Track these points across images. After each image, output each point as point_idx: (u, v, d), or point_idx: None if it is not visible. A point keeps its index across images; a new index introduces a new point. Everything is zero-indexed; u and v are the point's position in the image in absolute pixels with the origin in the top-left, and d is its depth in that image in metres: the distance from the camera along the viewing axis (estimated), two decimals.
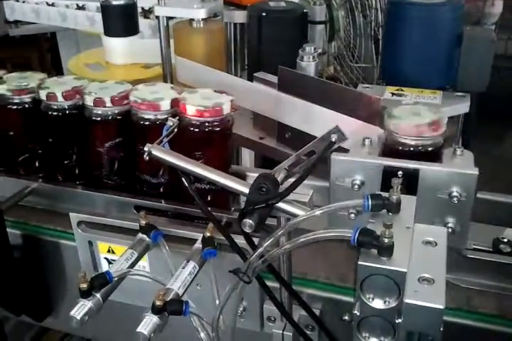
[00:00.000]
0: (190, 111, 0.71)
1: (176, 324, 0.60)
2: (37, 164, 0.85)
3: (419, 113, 0.67)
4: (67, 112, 0.78)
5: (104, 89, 0.78)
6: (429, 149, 0.64)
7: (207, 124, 0.72)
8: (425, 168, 0.61)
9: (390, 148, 0.66)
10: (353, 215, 0.63)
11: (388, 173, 0.61)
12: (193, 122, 0.72)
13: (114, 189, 0.80)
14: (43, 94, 0.78)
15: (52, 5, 1.33)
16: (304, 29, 1.02)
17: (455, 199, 0.60)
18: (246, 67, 1.15)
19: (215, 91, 0.76)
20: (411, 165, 0.61)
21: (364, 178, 0.63)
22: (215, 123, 0.72)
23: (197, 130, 0.72)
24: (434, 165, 0.62)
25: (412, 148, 0.65)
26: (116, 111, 0.76)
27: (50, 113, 0.79)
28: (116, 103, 0.76)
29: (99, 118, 0.77)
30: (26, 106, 0.81)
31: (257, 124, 0.94)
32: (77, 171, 0.83)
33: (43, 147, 0.84)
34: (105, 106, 0.76)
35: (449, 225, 0.62)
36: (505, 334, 0.66)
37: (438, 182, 0.61)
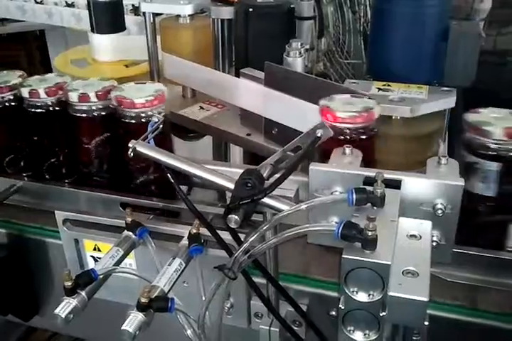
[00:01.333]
0: None
1: (164, 321, 0.60)
2: (22, 163, 0.85)
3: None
4: (51, 109, 0.78)
5: (88, 85, 0.77)
6: None
7: None
8: (408, 179, 0.58)
9: None
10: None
11: (370, 185, 0.56)
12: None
13: (102, 186, 0.80)
14: (25, 92, 0.77)
15: (41, 3, 1.32)
16: (291, 25, 1.02)
17: (439, 211, 0.58)
18: (234, 63, 1.15)
19: None
20: (393, 175, 0.59)
21: (344, 190, 0.60)
22: None
23: None
24: (417, 175, 0.59)
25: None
26: (101, 107, 0.76)
27: (33, 110, 0.78)
28: (101, 98, 0.75)
29: (84, 115, 0.76)
30: (7, 104, 0.80)
31: (244, 120, 0.94)
32: (64, 169, 0.82)
33: (28, 146, 0.83)
34: (90, 102, 0.75)
35: (434, 239, 0.60)
36: (491, 328, 0.66)
37: (421, 193, 0.58)
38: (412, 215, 0.55)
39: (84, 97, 0.75)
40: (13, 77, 0.81)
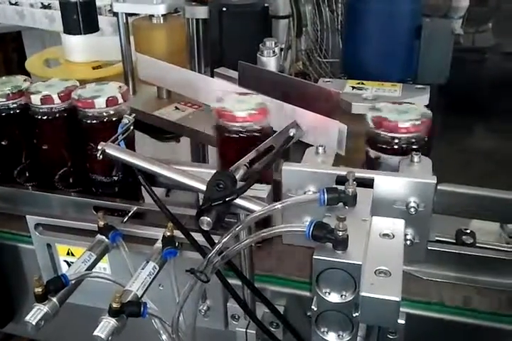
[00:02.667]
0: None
1: (139, 326, 0.59)
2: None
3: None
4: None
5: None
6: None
7: None
8: (380, 177, 0.58)
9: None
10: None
11: (342, 184, 0.55)
12: None
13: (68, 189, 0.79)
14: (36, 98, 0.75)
15: (16, 4, 1.29)
16: (266, 24, 1.01)
17: (412, 209, 0.58)
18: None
19: None
20: (365, 174, 0.58)
21: (317, 189, 0.60)
22: None
23: None
24: (389, 174, 0.59)
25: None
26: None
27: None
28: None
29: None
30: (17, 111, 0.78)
31: None
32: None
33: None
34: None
35: (407, 237, 0.60)
36: (469, 325, 0.66)
37: (394, 192, 0.58)
38: (385, 214, 0.55)
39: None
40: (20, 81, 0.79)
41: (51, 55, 1.20)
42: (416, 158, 0.62)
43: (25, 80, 0.80)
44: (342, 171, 0.58)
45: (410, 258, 0.56)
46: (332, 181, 0.59)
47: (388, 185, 0.58)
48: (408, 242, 0.60)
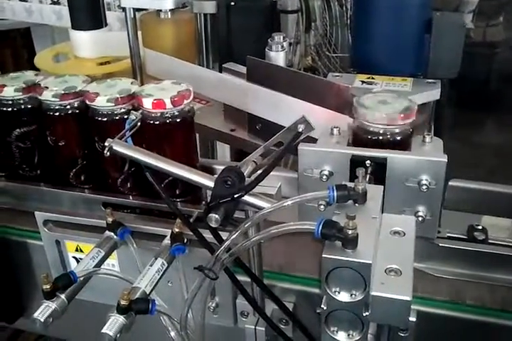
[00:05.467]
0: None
1: (148, 322, 0.59)
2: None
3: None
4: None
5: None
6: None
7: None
8: (393, 156, 0.59)
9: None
10: (322, 207, 0.61)
11: (356, 163, 0.59)
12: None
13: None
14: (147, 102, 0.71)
15: (25, 0, 1.29)
16: (274, 18, 1.00)
17: (424, 187, 0.59)
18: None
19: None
20: (378, 153, 0.60)
21: (332, 169, 0.62)
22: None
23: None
24: (401, 153, 0.60)
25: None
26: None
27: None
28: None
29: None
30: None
31: (228, 116, 0.93)
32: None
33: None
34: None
35: (419, 214, 0.61)
36: (480, 323, 0.65)
37: (406, 170, 0.60)
38: (398, 192, 0.58)
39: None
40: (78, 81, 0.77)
41: (60, 50, 1.19)
42: (427, 138, 0.64)
43: (36, 75, 0.80)
44: (357, 151, 0.60)
45: (422, 235, 0.56)
46: (347, 161, 0.60)
47: (401, 163, 0.59)
48: (420, 219, 0.61)
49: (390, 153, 0.60)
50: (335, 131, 0.67)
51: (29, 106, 0.76)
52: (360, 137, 0.64)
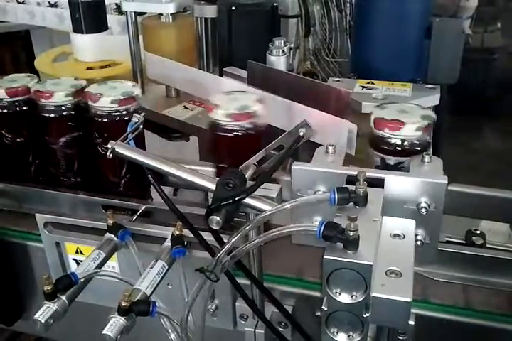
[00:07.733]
0: None
1: (148, 324, 0.59)
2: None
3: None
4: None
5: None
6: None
7: None
8: (390, 177, 0.58)
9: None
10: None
11: (353, 184, 0.55)
12: None
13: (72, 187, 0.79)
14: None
15: (23, 3, 1.30)
16: (275, 23, 1.01)
17: (423, 210, 0.58)
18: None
19: None
20: (376, 174, 0.58)
21: (327, 189, 0.60)
22: None
23: None
24: (400, 174, 0.59)
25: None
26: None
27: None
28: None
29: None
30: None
31: None
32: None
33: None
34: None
35: (418, 238, 0.60)
36: (478, 326, 0.65)
37: (405, 192, 0.58)
38: (396, 214, 0.54)
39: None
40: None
41: (60, 53, 1.20)
42: (427, 158, 0.61)
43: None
44: (352, 171, 0.58)
45: (421, 260, 0.55)
46: (342, 181, 0.59)
47: (399, 185, 0.58)
48: (419, 243, 0.60)
49: (387, 173, 0.58)
50: (330, 149, 0.64)
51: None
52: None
